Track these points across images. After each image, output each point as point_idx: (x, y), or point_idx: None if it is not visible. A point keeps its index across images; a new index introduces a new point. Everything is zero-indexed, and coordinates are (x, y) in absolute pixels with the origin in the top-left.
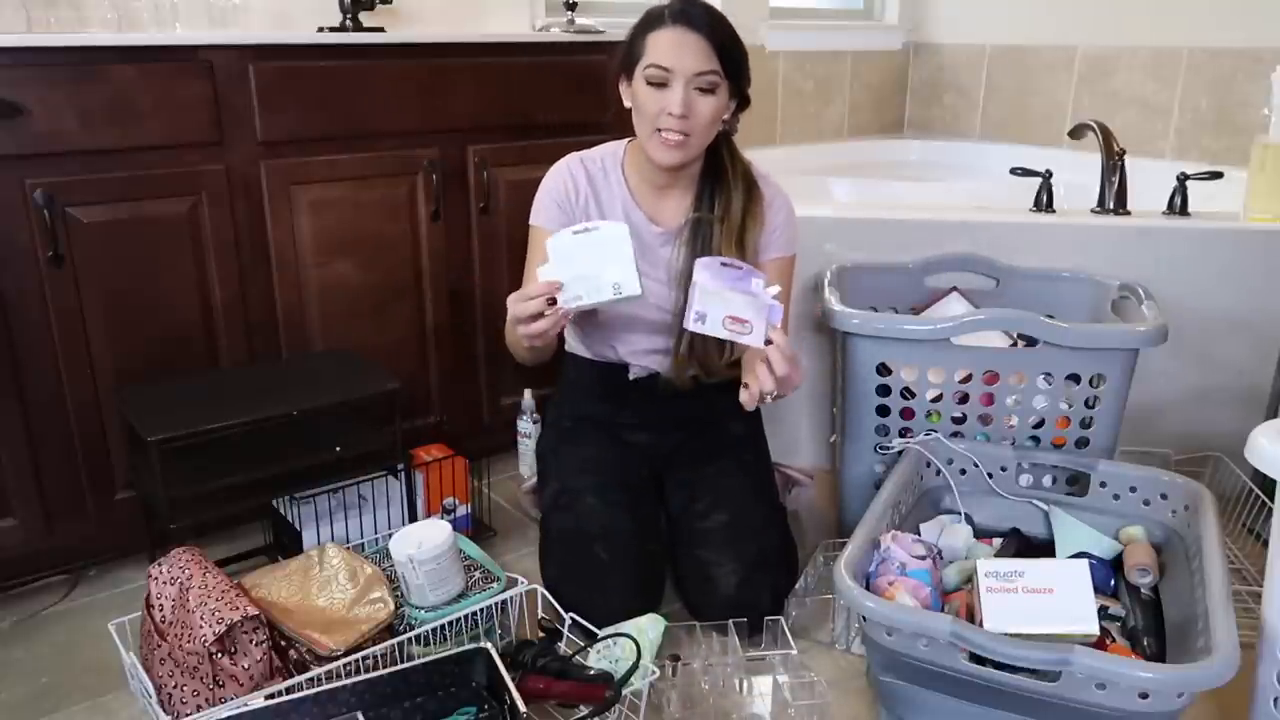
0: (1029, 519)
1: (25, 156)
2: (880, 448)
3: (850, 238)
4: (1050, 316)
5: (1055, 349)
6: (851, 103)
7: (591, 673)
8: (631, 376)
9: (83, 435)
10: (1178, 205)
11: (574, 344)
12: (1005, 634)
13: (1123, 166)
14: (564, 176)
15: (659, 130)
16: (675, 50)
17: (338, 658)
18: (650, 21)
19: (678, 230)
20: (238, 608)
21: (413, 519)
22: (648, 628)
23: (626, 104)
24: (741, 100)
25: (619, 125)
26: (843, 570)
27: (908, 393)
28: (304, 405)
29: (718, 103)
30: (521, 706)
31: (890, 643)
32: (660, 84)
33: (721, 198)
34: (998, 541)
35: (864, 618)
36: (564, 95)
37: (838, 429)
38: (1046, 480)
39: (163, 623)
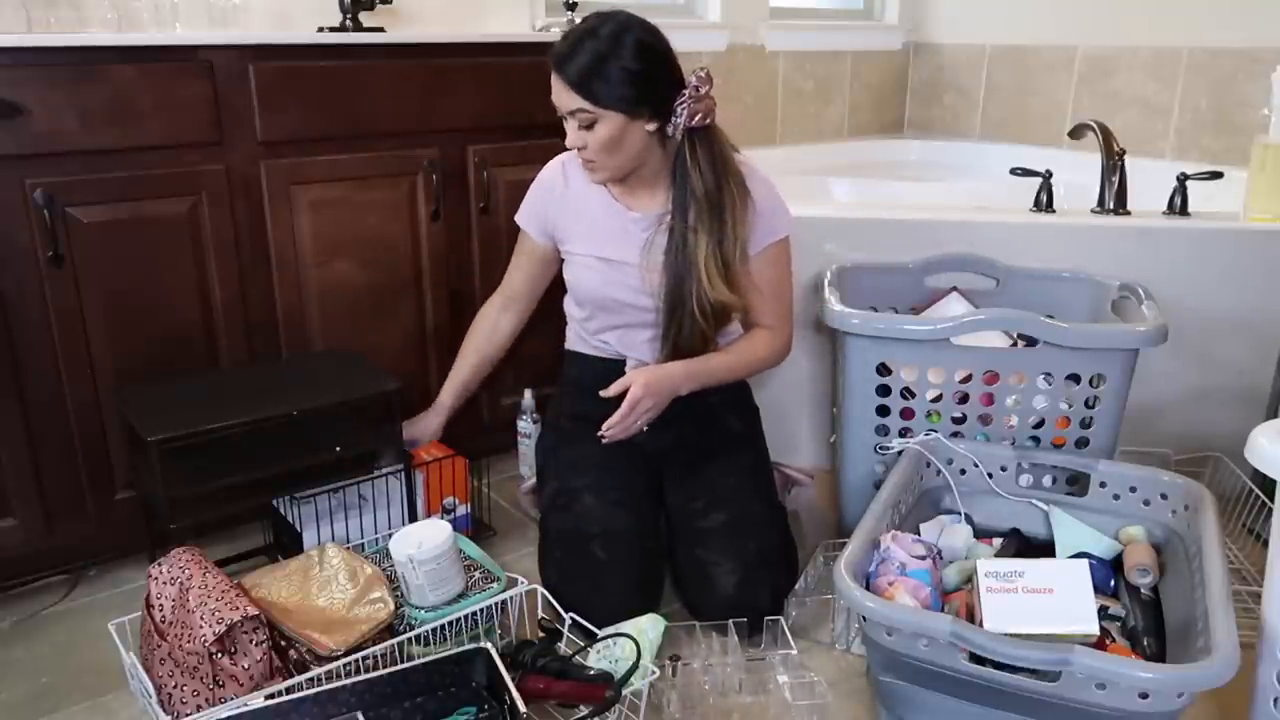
0: (1029, 519)
1: (25, 156)
2: (880, 448)
3: (850, 238)
4: (1050, 316)
5: (1055, 349)
6: (851, 103)
7: (591, 673)
8: (629, 370)
9: (83, 435)
10: (1178, 205)
11: (574, 340)
12: (1005, 634)
13: (1123, 166)
14: (544, 183)
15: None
16: (554, 93)
17: (338, 658)
18: None
19: (657, 218)
20: (238, 608)
21: (413, 519)
22: (648, 628)
23: None
24: (654, 113)
25: None
26: (843, 570)
27: (908, 393)
28: (304, 405)
29: (602, 132)
30: (521, 706)
31: (890, 643)
32: (563, 118)
33: (692, 207)
34: (998, 541)
35: (864, 618)
36: None
37: (838, 429)
38: (1046, 480)
39: (163, 623)
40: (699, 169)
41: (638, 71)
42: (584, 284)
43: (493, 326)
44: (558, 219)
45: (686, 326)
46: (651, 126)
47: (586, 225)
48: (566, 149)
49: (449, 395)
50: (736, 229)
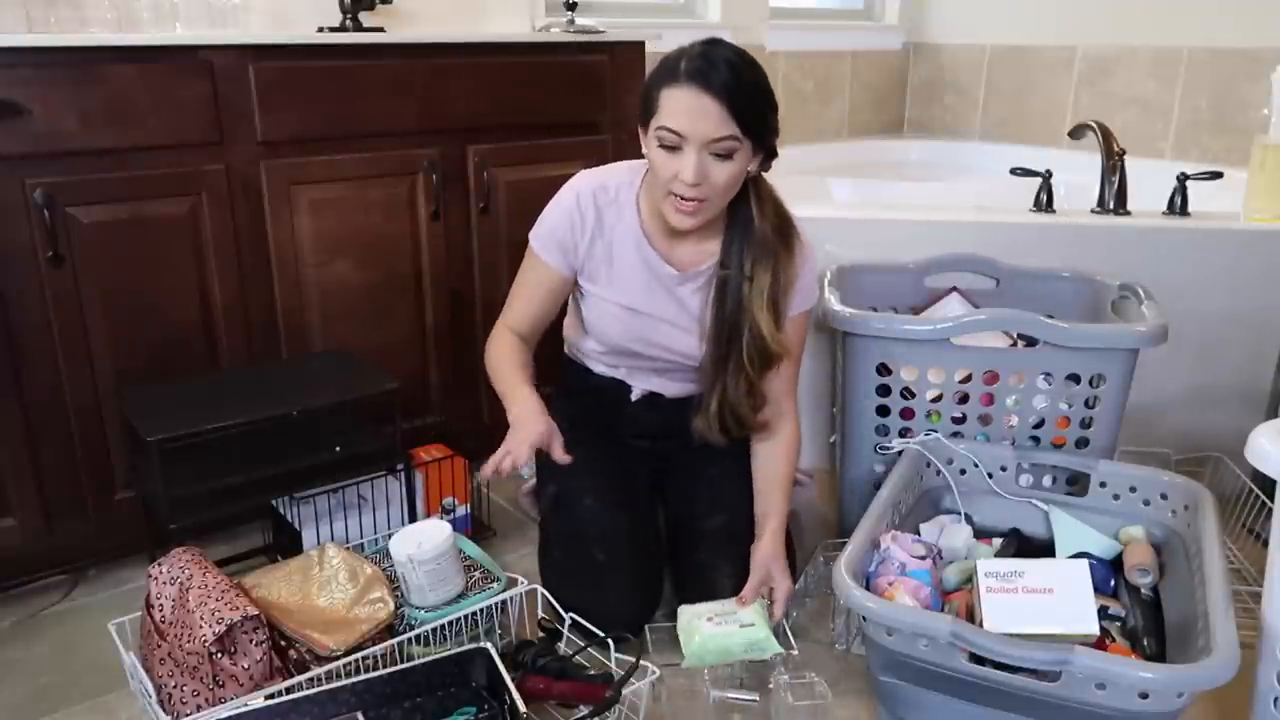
0: (1029, 519)
1: (25, 156)
2: (880, 448)
3: (850, 238)
4: (1050, 316)
5: (1055, 349)
6: (851, 103)
7: (591, 673)
8: (633, 398)
9: (83, 435)
10: (1178, 205)
11: (574, 354)
12: (1005, 634)
13: (1123, 166)
14: (571, 211)
15: (672, 194)
16: (688, 115)
17: (338, 658)
18: (665, 75)
19: (698, 275)
20: (238, 608)
21: (413, 519)
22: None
23: (645, 152)
24: (768, 154)
25: (618, 125)
26: (843, 570)
27: (908, 393)
28: (304, 405)
29: (736, 166)
30: (521, 706)
31: (890, 643)
32: (672, 147)
33: (749, 252)
34: (998, 541)
35: (864, 618)
36: (564, 95)
37: (838, 429)
38: (1046, 480)
39: (163, 623)
40: (764, 209)
41: (773, 100)
42: (606, 329)
43: (515, 344)
44: (588, 255)
45: (732, 380)
46: (754, 165)
47: (616, 270)
48: (684, 180)
49: (525, 380)
50: (791, 288)
